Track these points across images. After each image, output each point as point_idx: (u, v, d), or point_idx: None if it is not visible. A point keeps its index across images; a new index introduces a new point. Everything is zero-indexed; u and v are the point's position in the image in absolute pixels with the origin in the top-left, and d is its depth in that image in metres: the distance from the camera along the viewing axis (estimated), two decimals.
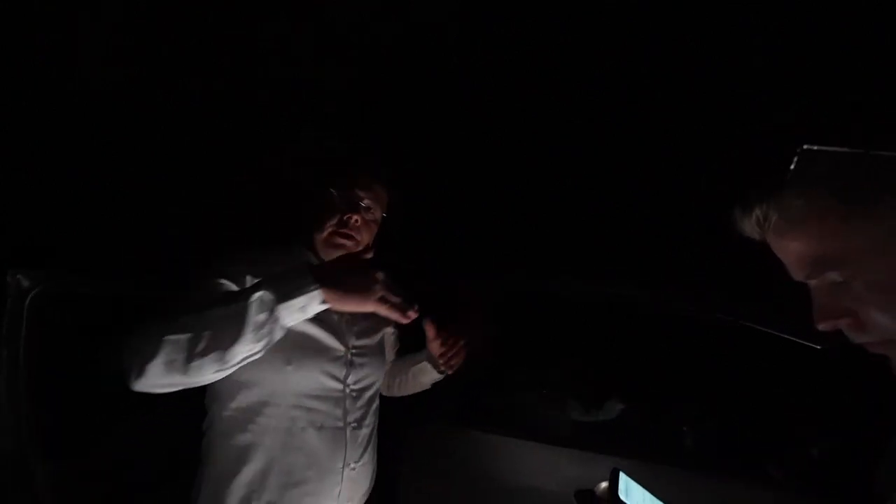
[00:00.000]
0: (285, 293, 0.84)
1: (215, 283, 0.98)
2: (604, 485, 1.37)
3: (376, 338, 1.29)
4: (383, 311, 0.92)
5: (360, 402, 1.17)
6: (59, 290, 1.42)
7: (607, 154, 1.87)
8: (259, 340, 0.83)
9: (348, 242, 1.15)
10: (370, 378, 1.21)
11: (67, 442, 1.49)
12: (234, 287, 0.98)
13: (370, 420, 1.21)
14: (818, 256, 0.53)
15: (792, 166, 0.54)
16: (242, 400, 1.04)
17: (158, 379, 0.81)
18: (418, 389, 1.35)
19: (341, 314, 1.18)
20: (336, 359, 1.13)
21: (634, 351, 1.74)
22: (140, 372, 0.80)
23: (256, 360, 0.98)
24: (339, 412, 1.12)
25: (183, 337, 0.80)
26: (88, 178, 1.74)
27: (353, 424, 1.14)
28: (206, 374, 0.83)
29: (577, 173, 1.94)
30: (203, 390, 1.11)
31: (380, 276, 0.93)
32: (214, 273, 1.00)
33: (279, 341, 0.95)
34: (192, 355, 0.80)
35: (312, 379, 1.08)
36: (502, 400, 1.81)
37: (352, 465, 1.14)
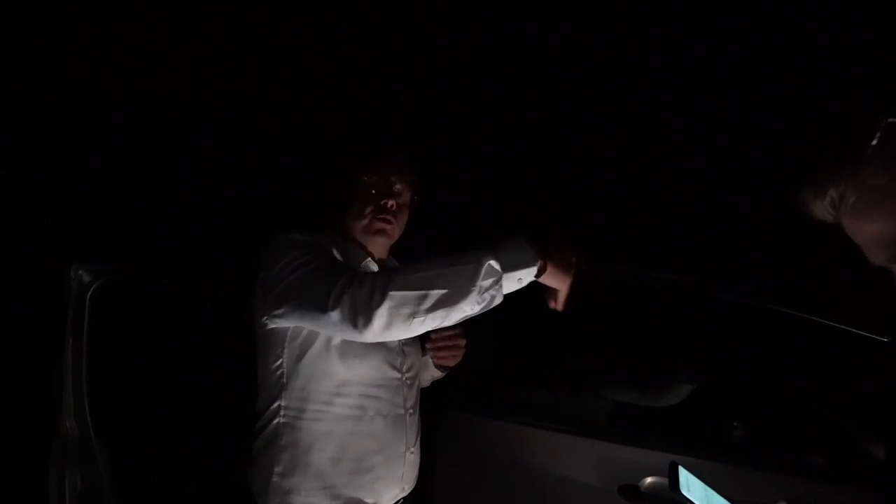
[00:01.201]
0: (511, 264, 0.86)
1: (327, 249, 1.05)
2: (649, 480, 1.34)
3: None
4: (566, 293, 0.92)
5: (413, 389, 1.21)
6: (119, 282, 1.51)
7: (638, 137, 1.82)
8: (480, 304, 0.86)
9: (388, 227, 1.19)
10: (416, 365, 1.24)
11: (125, 421, 1.58)
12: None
13: (418, 405, 1.24)
14: None
15: (874, 141, 0.49)
16: (314, 390, 1.07)
17: (381, 329, 0.87)
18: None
19: None
20: (392, 349, 1.15)
21: (680, 342, 1.69)
22: (367, 321, 0.86)
23: (328, 351, 1.06)
24: (399, 399, 1.15)
25: (411, 293, 0.86)
26: (140, 176, 1.83)
27: (410, 410, 1.18)
28: (426, 328, 0.89)
29: (605, 157, 1.90)
30: (255, 378, 1.16)
31: (578, 260, 0.92)
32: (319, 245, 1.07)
33: None
34: (418, 311, 0.86)
35: (377, 369, 1.11)
36: (537, 392, 1.80)
37: (411, 449, 1.17)
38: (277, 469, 1.08)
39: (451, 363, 1.26)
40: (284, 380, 1.08)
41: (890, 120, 0.49)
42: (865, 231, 0.53)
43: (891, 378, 1.24)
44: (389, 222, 1.18)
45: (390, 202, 1.17)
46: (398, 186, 1.20)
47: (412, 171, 1.25)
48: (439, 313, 0.86)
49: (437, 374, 1.34)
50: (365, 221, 1.17)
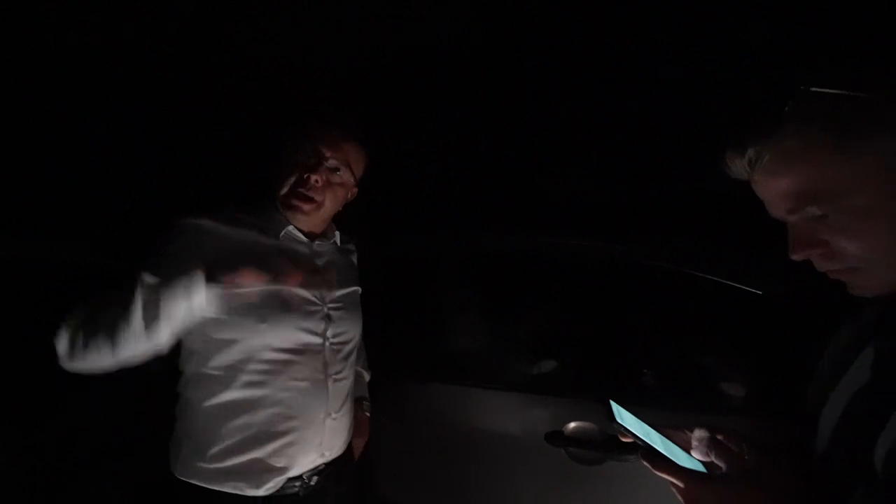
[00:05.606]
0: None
1: (177, 251, 0.99)
2: (573, 425, 1.46)
3: (352, 291, 1.28)
4: None
5: (341, 355, 1.18)
6: (7, 258, 1.34)
7: (579, 110, 1.88)
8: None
9: (304, 205, 1.11)
10: (350, 332, 1.22)
11: (20, 412, 1.43)
12: (192, 261, 0.94)
13: (349, 372, 1.22)
14: (802, 192, 0.57)
15: (787, 107, 0.56)
16: (222, 359, 1.03)
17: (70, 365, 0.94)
18: None
19: (317, 270, 1.18)
20: (312, 314, 1.12)
21: (589, 300, 1.79)
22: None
23: (232, 320, 1.01)
24: (318, 365, 1.12)
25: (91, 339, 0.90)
26: (36, 143, 1.62)
27: (333, 376, 1.15)
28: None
29: (533, 129, 1.96)
30: (176, 352, 1.10)
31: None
32: (174, 247, 1.01)
33: (253, 301, 1.00)
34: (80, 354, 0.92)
35: (290, 335, 1.08)
36: (464, 350, 1.83)
37: (333, 416, 1.15)
38: (188, 435, 1.06)
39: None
40: (196, 349, 1.05)
41: (803, 88, 0.56)
42: (772, 187, 0.61)
43: (766, 327, 1.43)
44: (308, 200, 1.09)
45: (314, 177, 1.08)
46: (332, 162, 1.11)
47: (358, 147, 1.15)
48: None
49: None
50: (282, 193, 1.10)
